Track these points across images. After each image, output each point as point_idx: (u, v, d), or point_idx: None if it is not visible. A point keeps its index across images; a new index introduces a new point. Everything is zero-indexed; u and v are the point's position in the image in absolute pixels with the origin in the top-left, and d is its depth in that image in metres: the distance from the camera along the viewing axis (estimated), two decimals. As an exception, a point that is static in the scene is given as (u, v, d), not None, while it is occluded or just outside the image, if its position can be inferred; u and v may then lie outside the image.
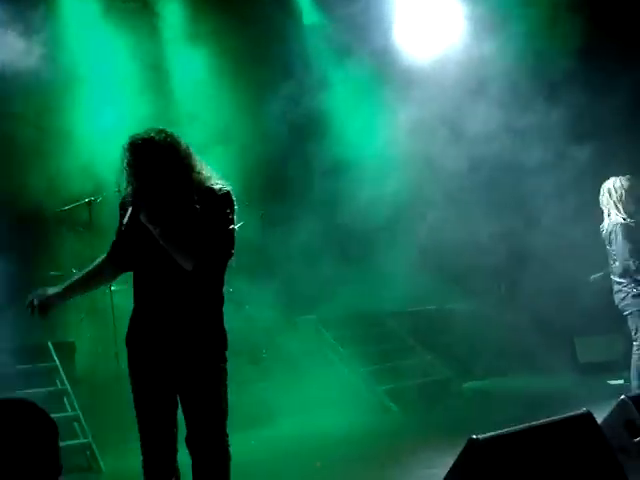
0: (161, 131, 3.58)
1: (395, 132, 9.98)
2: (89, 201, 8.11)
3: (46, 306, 3.62)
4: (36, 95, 9.02)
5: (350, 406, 8.14)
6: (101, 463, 6.24)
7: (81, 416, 6.57)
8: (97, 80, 9.14)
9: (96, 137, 8.81)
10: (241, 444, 3.71)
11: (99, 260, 3.77)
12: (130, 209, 3.47)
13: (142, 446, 3.59)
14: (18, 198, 9.01)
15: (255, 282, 8.72)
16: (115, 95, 9.15)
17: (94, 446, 6.32)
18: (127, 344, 3.63)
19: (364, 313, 9.99)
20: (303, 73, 10.32)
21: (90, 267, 3.77)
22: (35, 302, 3.60)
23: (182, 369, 3.48)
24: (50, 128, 9.04)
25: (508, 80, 9.25)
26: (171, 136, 3.57)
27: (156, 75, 9.70)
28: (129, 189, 3.56)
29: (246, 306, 8.05)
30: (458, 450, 3.84)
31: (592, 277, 6.96)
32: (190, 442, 3.51)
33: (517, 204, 9.40)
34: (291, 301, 9.19)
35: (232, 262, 3.70)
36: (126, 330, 3.64)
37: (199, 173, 3.57)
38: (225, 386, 3.56)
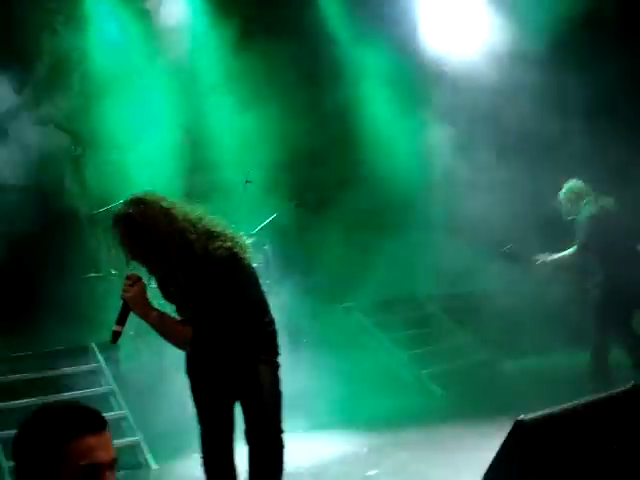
0: (137, 201, 3.53)
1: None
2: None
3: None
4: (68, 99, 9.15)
5: (394, 391, 8.13)
6: (150, 460, 6.31)
7: (129, 415, 6.66)
8: (126, 80, 9.19)
9: (128, 138, 8.91)
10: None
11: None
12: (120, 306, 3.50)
13: (202, 439, 3.72)
14: (54, 200, 9.15)
15: (293, 271, 8.75)
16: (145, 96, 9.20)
17: (143, 444, 6.40)
18: (186, 358, 3.74)
19: (402, 298, 9.96)
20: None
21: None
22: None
23: (236, 369, 3.63)
24: (82, 131, 9.15)
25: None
26: (150, 205, 3.51)
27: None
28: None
29: (285, 295, 8.06)
30: (505, 433, 3.82)
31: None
32: (248, 435, 3.66)
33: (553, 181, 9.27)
34: (330, 288, 9.19)
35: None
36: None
37: (191, 235, 3.51)
38: (278, 381, 3.67)
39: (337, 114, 10.00)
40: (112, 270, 8.35)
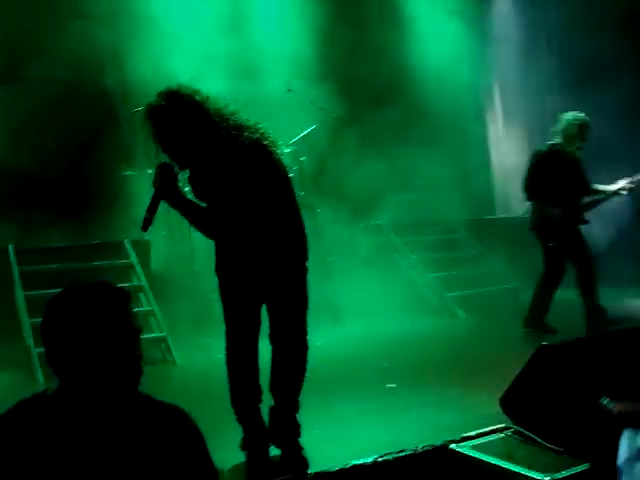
0: (170, 93, 3.49)
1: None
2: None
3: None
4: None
5: (418, 311, 8.23)
6: (175, 356, 6.47)
7: (157, 311, 6.80)
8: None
9: (172, 38, 8.79)
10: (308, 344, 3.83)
11: None
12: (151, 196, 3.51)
13: (227, 337, 3.76)
14: (93, 96, 9.14)
15: (325, 188, 8.74)
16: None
17: (169, 339, 6.56)
18: (216, 255, 3.77)
19: (435, 220, 9.94)
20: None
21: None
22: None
23: (267, 270, 3.64)
24: (125, 29, 9.03)
25: None
26: (182, 96, 3.48)
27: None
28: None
29: (318, 210, 8.07)
30: (523, 359, 3.86)
31: None
32: (274, 337, 3.71)
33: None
34: (363, 204, 9.18)
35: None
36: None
37: (223, 124, 3.52)
38: (306, 284, 3.74)
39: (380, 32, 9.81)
40: (148, 169, 8.39)
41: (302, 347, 3.75)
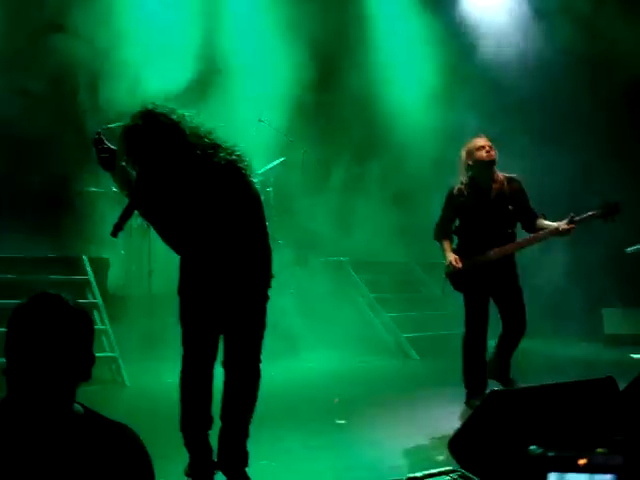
0: (147, 113, 3.54)
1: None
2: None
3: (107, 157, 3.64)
4: (89, 11, 9.01)
5: (372, 349, 8.24)
6: (125, 377, 6.38)
7: (110, 330, 6.72)
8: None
9: (144, 57, 8.80)
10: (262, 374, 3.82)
11: None
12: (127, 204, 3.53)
13: (183, 362, 3.72)
14: (64, 111, 9.08)
15: (290, 219, 8.76)
16: (167, 17, 9.08)
17: (120, 360, 6.47)
18: (180, 274, 3.74)
19: (395, 261, 10.01)
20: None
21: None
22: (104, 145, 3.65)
23: (230, 294, 3.63)
24: (101, 46, 9.03)
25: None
26: (158, 115, 3.53)
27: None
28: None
29: (280, 241, 8.08)
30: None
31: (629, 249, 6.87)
32: (228, 363, 3.69)
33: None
34: (324, 241, 9.22)
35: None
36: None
37: (198, 143, 3.55)
38: (266, 312, 3.73)
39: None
40: (113, 187, 8.34)
41: (255, 374, 3.73)
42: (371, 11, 10.27)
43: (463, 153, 5.58)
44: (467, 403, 5.55)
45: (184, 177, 3.57)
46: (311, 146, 9.28)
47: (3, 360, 1.87)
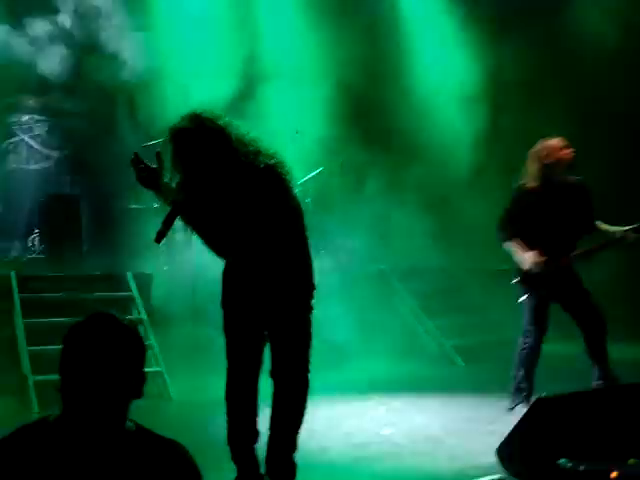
0: (196, 116, 3.59)
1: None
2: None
3: (148, 176, 3.66)
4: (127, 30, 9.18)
5: (417, 357, 8.19)
6: (171, 391, 6.44)
7: (155, 345, 6.78)
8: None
9: (184, 77, 8.92)
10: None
11: None
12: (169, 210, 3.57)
13: (228, 375, 3.75)
14: (105, 129, 9.25)
15: (331, 230, 8.77)
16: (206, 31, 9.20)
17: (166, 375, 6.53)
18: (222, 285, 3.78)
19: (438, 267, 9.93)
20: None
21: None
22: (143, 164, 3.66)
23: (273, 302, 3.66)
24: (141, 65, 9.17)
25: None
26: (206, 120, 3.59)
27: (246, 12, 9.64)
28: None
29: (321, 250, 8.08)
30: (522, 410, 3.85)
31: None
32: (275, 373, 3.71)
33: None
34: (366, 249, 9.20)
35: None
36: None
37: (242, 150, 3.59)
38: (311, 324, 3.74)
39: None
40: (154, 204, 8.45)
41: (303, 385, 3.73)
42: (406, 13, 10.26)
43: (539, 152, 5.55)
44: (512, 409, 5.49)
45: (227, 182, 3.59)
46: (349, 155, 9.30)
47: (56, 377, 1.91)
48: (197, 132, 3.54)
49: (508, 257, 6.62)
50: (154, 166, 3.66)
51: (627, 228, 5.41)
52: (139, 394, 1.96)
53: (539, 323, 5.69)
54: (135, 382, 1.95)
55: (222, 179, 3.59)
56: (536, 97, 9.69)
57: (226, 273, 3.77)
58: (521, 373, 5.64)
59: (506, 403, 5.55)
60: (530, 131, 9.41)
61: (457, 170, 9.70)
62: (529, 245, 5.47)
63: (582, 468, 1.80)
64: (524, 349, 5.73)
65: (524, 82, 9.80)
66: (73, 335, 1.93)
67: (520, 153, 9.48)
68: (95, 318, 1.94)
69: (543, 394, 3.55)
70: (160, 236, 3.52)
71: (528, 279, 5.56)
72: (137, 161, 3.67)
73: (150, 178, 3.65)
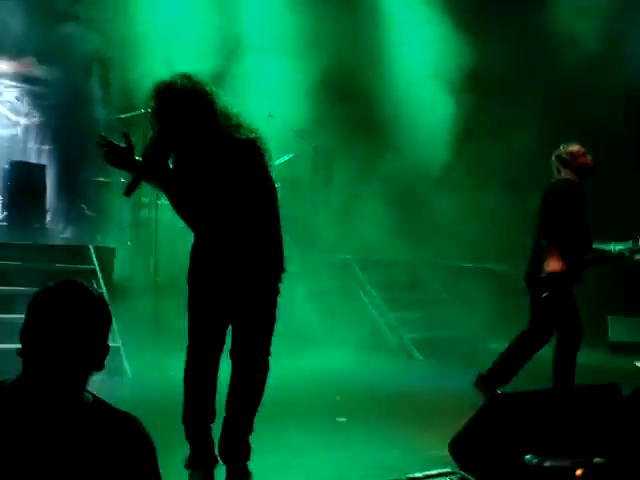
0: (185, 77, 3.55)
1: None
2: (145, 112, 8.03)
3: (120, 155, 3.58)
4: (103, 1, 9.03)
5: (375, 348, 8.23)
6: (128, 367, 6.38)
7: (113, 320, 6.69)
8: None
9: (158, 51, 8.80)
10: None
11: None
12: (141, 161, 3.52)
13: (188, 353, 3.71)
14: (76, 100, 9.10)
15: (301, 215, 8.76)
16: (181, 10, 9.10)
17: (122, 350, 6.47)
18: (190, 261, 3.72)
19: (401, 260, 9.99)
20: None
21: None
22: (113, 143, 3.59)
23: (241, 287, 3.61)
24: (114, 35, 9.03)
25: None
26: (195, 82, 3.54)
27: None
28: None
29: (285, 238, 8.06)
30: (475, 405, 3.88)
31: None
32: (236, 354, 3.66)
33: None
34: (330, 238, 9.21)
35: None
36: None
37: (224, 121, 3.54)
38: (276, 305, 3.70)
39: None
40: (121, 178, 8.36)
41: (263, 367, 3.70)
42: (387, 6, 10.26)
43: (565, 155, 5.48)
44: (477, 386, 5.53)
45: (205, 150, 3.54)
46: (323, 141, 9.27)
47: (13, 346, 1.88)
48: (184, 92, 3.47)
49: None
50: (123, 145, 3.58)
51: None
52: (100, 366, 1.94)
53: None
54: (97, 353, 1.92)
55: (200, 146, 3.54)
56: (511, 96, 9.74)
57: (195, 249, 3.72)
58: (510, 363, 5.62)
59: (460, 398, 5.59)
60: (503, 129, 9.54)
61: (427, 165, 9.73)
62: (572, 248, 5.34)
63: (548, 464, 1.81)
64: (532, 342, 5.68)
65: (500, 79, 9.85)
66: (40, 301, 1.89)
67: (490, 152, 9.63)
68: (63, 285, 1.91)
69: (499, 391, 3.60)
70: (129, 189, 3.46)
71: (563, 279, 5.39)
72: (104, 142, 3.58)
73: (119, 158, 3.57)
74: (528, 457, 1.79)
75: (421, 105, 9.81)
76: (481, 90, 9.87)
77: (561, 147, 5.59)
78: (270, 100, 8.73)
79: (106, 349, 1.96)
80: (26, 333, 1.88)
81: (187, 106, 3.48)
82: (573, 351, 5.56)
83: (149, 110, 3.58)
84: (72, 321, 1.86)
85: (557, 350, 5.53)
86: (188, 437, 3.75)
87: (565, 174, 5.49)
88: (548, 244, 5.27)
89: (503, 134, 9.57)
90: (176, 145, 3.56)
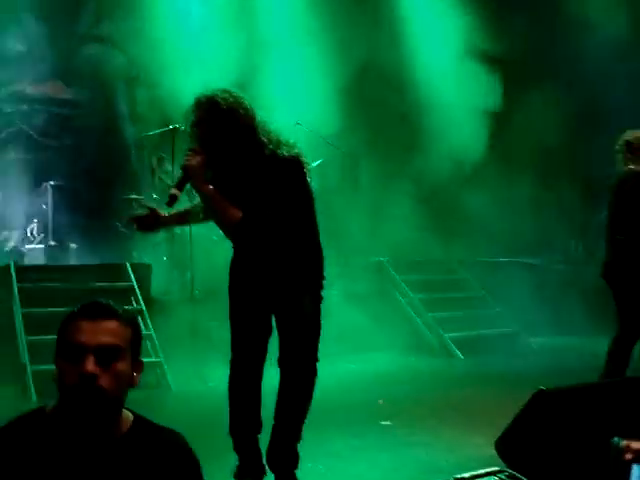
0: (226, 91, 3.59)
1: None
2: (174, 128, 8.11)
3: (147, 223, 3.83)
4: (126, 20, 9.13)
5: (415, 349, 8.20)
6: (170, 381, 6.43)
7: (154, 335, 6.77)
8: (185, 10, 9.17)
9: (183, 67, 8.87)
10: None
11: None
12: (181, 174, 3.57)
13: (232, 365, 3.75)
14: (103, 119, 9.20)
15: (333, 220, 8.75)
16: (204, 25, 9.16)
17: (165, 365, 6.52)
18: (230, 273, 3.79)
19: (436, 259, 9.94)
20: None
21: (190, 206, 3.93)
22: (138, 216, 3.82)
23: (283, 297, 3.66)
24: (139, 55, 9.12)
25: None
26: (236, 98, 3.58)
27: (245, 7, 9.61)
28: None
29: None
30: (519, 402, 3.85)
31: None
32: (283, 362, 3.68)
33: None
34: (366, 242, 9.19)
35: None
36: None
37: (263, 137, 3.57)
38: (320, 311, 3.74)
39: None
40: (153, 194, 8.44)
41: (311, 373, 3.70)
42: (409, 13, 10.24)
43: (635, 141, 5.29)
44: None
45: (246, 164, 3.57)
46: (350, 144, 9.27)
47: (37, 368, 1.90)
48: (227, 106, 3.52)
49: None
50: (146, 212, 3.79)
51: None
52: (135, 382, 1.94)
53: None
54: (131, 370, 1.93)
55: (241, 161, 3.58)
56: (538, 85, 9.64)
57: (235, 260, 3.76)
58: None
59: (504, 395, 5.53)
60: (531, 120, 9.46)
61: (457, 162, 9.68)
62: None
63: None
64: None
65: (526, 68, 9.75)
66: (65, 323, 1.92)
67: (521, 145, 9.55)
68: (87, 307, 1.92)
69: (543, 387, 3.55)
70: (172, 199, 3.50)
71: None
72: (131, 219, 3.88)
73: (147, 224, 3.81)
74: (616, 439, 1.77)
75: (447, 102, 9.78)
76: (510, 82, 9.80)
77: (630, 133, 5.35)
78: (296, 108, 8.76)
79: (140, 365, 1.97)
80: (56, 356, 1.91)
81: (230, 120, 3.52)
82: (631, 344, 5.36)
83: (189, 124, 3.62)
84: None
85: (615, 341, 5.34)
86: (236, 448, 3.77)
87: (636, 162, 5.25)
88: (626, 237, 5.13)
89: (531, 126, 9.51)
90: (217, 158, 3.59)
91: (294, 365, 3.66)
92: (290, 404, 3.71)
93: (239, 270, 3.73)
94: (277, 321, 3.71)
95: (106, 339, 1.86)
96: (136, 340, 1.96)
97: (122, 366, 1.88)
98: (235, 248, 3.77)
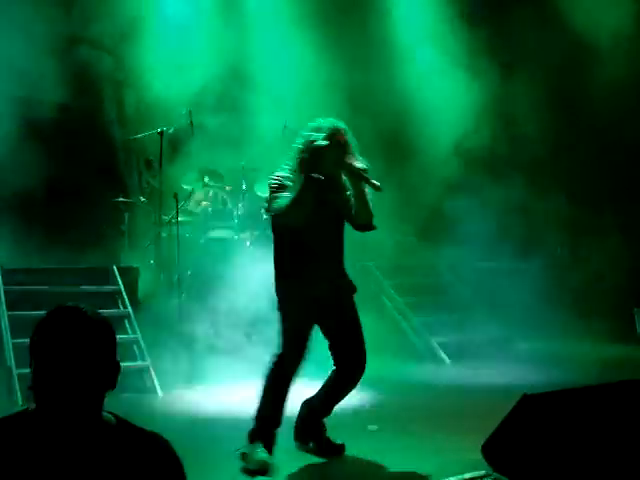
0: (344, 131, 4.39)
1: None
2: (161, 131, 8.10)
3: None
4: (113, 23, 9.11)
5: (402, 354, 8.20)
6: (157, 386, 6.41)
7: (141, 339, 6.76)
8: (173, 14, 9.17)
9: (171, 69, 8.87)
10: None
11: None
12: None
13: (282, 361, 4.23)
14: (91, 122, 9.18)
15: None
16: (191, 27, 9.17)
17: (152, 369, 6.50)
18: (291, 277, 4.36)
19: (423, 263, 9.96)
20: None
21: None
22: None
23: (342, 304, 4.49)
24: (126, 57, 9.11)
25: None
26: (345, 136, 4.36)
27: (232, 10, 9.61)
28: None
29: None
30: (505, 407, 3.86)
31: None
32: (348, 359, 4.49)
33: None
34: (350, 246, 9.18)
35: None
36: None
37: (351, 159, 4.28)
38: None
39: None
40: (141, 197, 8.42)
41: (362, 372, 4.50)
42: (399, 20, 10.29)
43: None
44: None
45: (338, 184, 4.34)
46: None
47: (23, 371, 1.90)
48: (345, 146, 4.28)
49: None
50: None
51: None
52: (112, 385, 1.94)
53: None
54: (107, 372, 1.92)
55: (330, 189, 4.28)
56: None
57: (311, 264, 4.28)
58: None
59: (491, 399, 5.56)
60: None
61: (439, 168, 9.71)
62: None
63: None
64: None
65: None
66: (37, 331, 1.91)
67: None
68: (57, 312, 1.92)
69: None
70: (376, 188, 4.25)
71: None
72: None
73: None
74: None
75: (433, 106, 9.81)
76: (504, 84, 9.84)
77: None
78: (283, 111, 8.76)
79: (116, 367, 1.96)
80: (31, 364, 1.90)
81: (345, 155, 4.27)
82: None
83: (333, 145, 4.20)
84: (71, 344, 1.86)
85: None
86: (258, 435, 4.09)
87: None
88: None
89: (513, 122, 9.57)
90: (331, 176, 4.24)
91: (357, 366, 4.44)
92: (338, 394, 4.47)
93: (315, 273, 4.24)
94: (337, 325, 4.37)
95: (77, 348, 1.87)
96: (109, 343, 1.95)
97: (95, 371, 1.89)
98: (294, 252, 4.23)
